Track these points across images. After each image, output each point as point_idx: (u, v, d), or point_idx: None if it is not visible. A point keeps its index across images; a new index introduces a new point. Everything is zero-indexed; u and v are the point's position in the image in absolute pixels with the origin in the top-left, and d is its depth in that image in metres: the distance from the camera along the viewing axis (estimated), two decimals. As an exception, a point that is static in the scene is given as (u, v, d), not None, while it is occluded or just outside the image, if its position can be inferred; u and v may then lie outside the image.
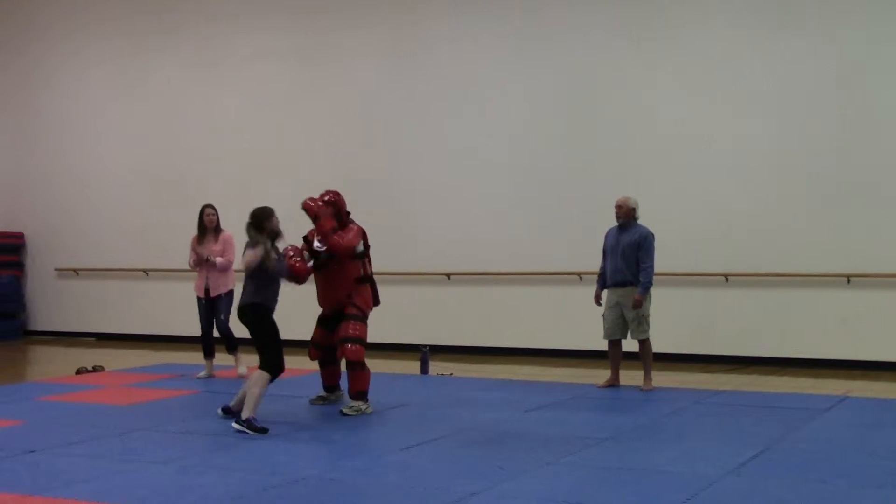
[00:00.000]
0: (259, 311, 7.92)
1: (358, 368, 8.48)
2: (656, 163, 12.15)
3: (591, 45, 12.55)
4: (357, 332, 8.44)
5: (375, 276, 8.83)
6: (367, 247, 8.71)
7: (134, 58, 15.31)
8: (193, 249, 10.66)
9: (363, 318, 8.55)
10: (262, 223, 7.94)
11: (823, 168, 11.47)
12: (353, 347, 8.40)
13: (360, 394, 8.50)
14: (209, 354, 10.78)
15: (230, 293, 10.57)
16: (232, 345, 10.65)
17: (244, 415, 7.66)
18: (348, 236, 8.48)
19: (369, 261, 8.77)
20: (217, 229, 10.64)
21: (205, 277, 10.61)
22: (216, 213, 10.67)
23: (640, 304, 9.58)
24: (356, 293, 8.57)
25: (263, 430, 7.58)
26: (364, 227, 8.72)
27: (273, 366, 7.83)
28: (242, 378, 9.98)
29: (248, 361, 10.62)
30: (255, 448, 7.22)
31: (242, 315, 8.01)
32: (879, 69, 11.30)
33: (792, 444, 7.28)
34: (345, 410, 8.44)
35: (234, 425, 7.66)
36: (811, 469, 6.47)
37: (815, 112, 11.52)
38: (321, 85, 14.06)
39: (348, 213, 8.72)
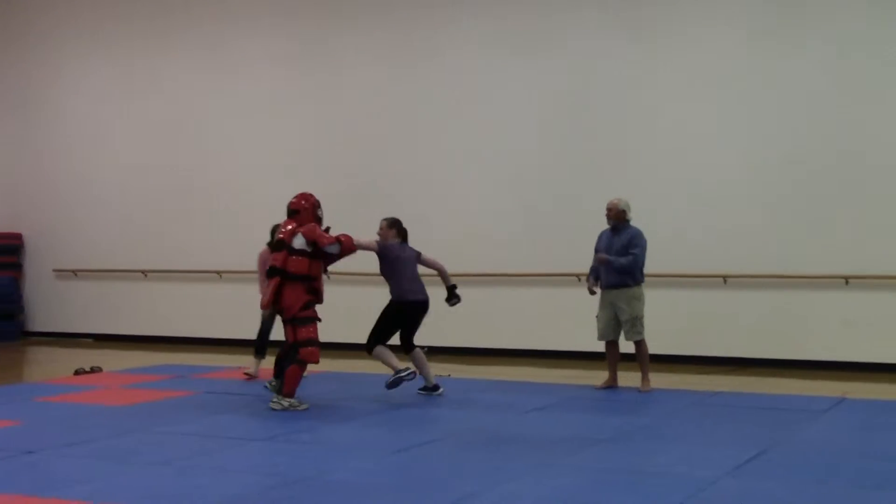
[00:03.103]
0: None
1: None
2: (655, 165, 12.15)
3: (591, 48, 12.53)
4: None
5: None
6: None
7: (135, 60, 15.29)
8: (262, 276, 10.12)
9: None
10: None
11: (822, 170, 11.47)
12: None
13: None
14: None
15: None
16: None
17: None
18: None
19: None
20: None
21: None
22: None
23: (605, 261, 9.66)
24: None
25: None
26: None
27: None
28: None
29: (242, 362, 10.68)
30: (254, 449, 7.23)
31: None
32: (877, 73, 11.31)
33: (790, 445, 7.29)
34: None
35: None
36: (809, 470, 6.48)
37: (814, 114, 11.52)
38: (327, 87, 14.02)
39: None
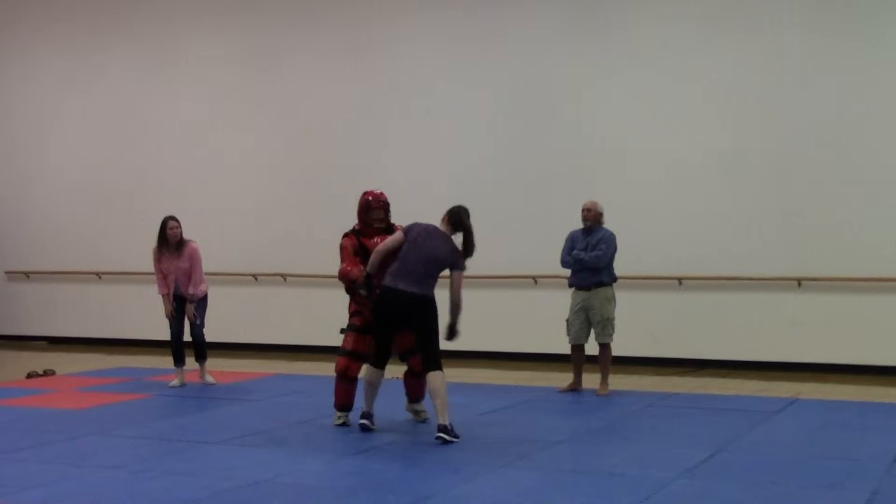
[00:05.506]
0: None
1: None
2: (612, 167, 12.19)
3: (547, 48, 12.54)
4: None
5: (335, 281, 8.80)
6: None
7: (86, 57, 15.11)
8: (159, 276, 10.25)
9: None
10: None
11: (775, 172, 11.58)
12: None
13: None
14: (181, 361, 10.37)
15: (205, 297, 10.40)
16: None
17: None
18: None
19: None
20: (181, 243, 10.17)
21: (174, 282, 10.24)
22: (180, 226, 10.15)
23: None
24: None
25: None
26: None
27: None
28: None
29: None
30: (208, 453, 7.17)
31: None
32: (833, 74, 11.41)
33: (744, 445, 7.36)
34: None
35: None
36: (762, 470, 6.55)
37: (768, 116, 11.62)
38: (276, 87, 13.95)
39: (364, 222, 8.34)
